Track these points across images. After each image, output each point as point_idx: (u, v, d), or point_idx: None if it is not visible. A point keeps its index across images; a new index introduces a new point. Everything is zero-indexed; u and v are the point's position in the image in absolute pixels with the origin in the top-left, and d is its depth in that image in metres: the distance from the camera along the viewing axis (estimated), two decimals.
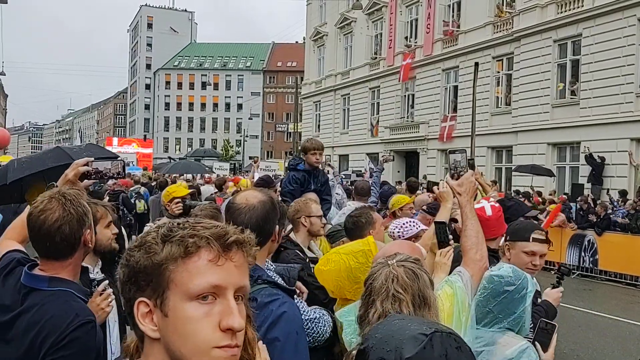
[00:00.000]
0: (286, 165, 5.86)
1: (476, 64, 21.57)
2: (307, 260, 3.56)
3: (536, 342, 2.78)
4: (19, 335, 2.04)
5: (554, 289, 3.53)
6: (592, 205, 15.56)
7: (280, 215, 2.38)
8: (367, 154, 34.64)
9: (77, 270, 2.31)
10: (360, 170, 22.68)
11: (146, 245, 1.11)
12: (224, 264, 1.10)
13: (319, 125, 42.33)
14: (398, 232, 4.13)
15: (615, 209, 15.00)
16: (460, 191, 2.78)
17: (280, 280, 2.32)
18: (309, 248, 3.94)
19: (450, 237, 3.04)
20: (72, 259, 2.23)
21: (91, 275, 2.96)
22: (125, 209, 12.83)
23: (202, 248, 1.09)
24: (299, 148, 5.75)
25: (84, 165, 2.73)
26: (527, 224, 3.48)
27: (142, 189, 14.53)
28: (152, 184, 15.23)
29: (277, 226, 2.36)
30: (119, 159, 2.95)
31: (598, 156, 20.48)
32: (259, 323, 1.86)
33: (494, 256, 3.78)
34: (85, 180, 2.77)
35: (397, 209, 5.93)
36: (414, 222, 4.25)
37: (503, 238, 3.50)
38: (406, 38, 32.89)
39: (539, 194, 19.67)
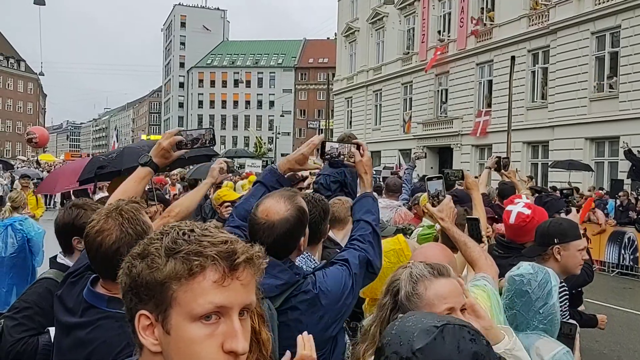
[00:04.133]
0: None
1: (512, 58, 21.20)
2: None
3: None
4: (72, 345, 2.04)
5: (569, 214, 3.50)
6: (632, 201, 15.13)
7: (323, 214, 2.31)
8: (400, 150, 34.42)
9: None
10: (392, 167, 22.53)
11: (149, 258, 1.07)
12: (229, 284, 1.07)
13: (350, 122, 42.20)
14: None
15: None
16: (441, 217, 2.88)
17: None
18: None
19: (483, 233, 3.02)
20: None
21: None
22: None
23: (208, 268, 1.05)
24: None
25: (177, 134, 2.76)
26: (570, 222, 3.41)
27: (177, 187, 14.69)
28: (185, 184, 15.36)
29: (303, 237, 2.29)
30: (209, 127, 2.95)
31: (638, 151, 19.89)
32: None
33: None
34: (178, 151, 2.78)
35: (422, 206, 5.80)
36: None
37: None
38: (439, 32, 32.51)
39: (577, 189, 19.21)
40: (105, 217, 2.06)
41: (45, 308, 2.72)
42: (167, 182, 14.90)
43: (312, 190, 5.69)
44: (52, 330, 2.70)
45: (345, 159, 2.65)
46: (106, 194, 10.47)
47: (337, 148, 2.65)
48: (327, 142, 2.64)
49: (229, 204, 5.39)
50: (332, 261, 2.37)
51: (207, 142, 2.77)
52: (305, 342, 1.71)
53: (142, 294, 1.08)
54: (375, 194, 2.85)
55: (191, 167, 13.49)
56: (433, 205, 3.00)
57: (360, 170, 2.64)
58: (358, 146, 2.66)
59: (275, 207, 2.21)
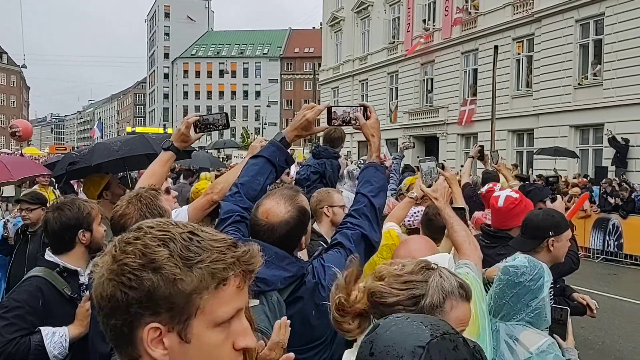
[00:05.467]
0: (318, 149, 5.75)
1: (496, 47, 21.26)
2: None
3: (554, 335, 2.75)
4: None
5: (554, 202, 3.54)
6: (616, 188, 15.28)
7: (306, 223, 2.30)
8: (386, 139, 34.47)
9: None
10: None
11: (164, 270, 1.02)
12: (244, 287, 1.09)
13: (334, 104, 42.09)
14: (408, 220, 4.12)
15: (636, 192, 14.69)
16: (435, 196, 2.90)
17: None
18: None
19: (469, 222, 3.04)
20: None
21: (81, 279, 2.92)
22: None
23: (231, 276, 1.06)
24: (332, 137, 5.62)
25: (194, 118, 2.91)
26: (559, 213, 3.48)
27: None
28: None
29: (304, 236, 2.28)
30: (223, 111, 3.01)
31: (622, 138, 20.10)
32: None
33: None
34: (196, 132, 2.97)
35: (404, 191, 5.76)
36: (421, 210, 4.20)
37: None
38: (424, 21, 32.48)
39: (560, 177, 19.34)
40: (127, 203, 2.34)
41: (36, 307, 2.70)
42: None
43: (292, 180, 5.69)
44: (43, 330, 2.68)
45: (356, 123, 2.59)
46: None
47: (344, 112, 2.61)
48: (333, 107, 2.60)
49: None
50: (327, 247, 2.36)
51: (222, 125, 2.90)
52: (282, 328, 1.69)
53: (159, 307, 1.03)
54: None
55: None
56: (427, 186, 3.00)
57: (366, 134, 2.58)
58: (365, 109, 2.60)
59: (276, 209, 2.19)
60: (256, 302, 1.97)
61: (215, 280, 1.04)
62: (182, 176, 12.19)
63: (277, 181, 3.38)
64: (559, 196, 3.64)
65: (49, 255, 2.94)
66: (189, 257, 1.03)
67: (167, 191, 3.71)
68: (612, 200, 14.84)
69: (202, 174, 10.64)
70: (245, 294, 1.09)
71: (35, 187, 9.52)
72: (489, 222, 4.25)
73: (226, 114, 2.96)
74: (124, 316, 1.03)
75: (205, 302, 1.03)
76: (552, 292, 3.22)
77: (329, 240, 3.77)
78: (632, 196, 14.59)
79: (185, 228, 1.08)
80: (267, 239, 2.14)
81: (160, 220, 1.13)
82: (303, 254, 2.61)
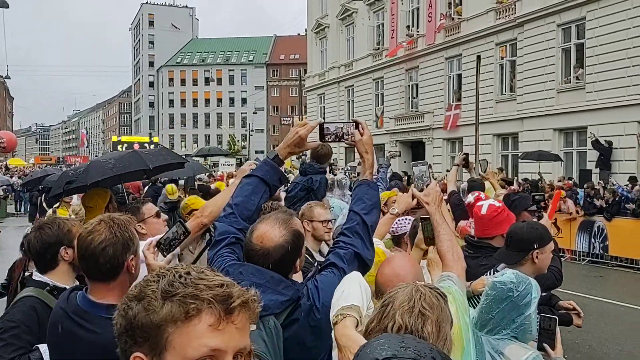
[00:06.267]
0: (304, 166, 5.82)
1: (478, 57, 21.44)
2: (316, 264, 3.55)
3: (543, 344, 2.78)
4: None
5: (541, 219, 3.58)
6: (600, 191, 15.44)
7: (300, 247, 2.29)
8: (373, 145, 34.55)
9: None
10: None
11: (145, 300, 1.07)
12: (224, 327, 1.07)
13: (324, 118, 42.12)
14: (391, 229, 4.15)
15: (622, 195, 14.84)
16: (427, 201, 2.86)
17: None
18: (320, 252, 3.93)
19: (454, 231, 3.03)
20: (116, 283, 2.26)
21: None
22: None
23: (203, 311, 1.05)
24: (320, 153, 5.67)
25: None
26: (543, 225, 3.55)
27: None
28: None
29: (299, 259, 2.28)
30: (178, 220, 2.87)
31: (605, 140, 20.32)
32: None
33: (492, 253, 3.77)
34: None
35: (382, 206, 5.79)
36: (407, 219, 4.24)
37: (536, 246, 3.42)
38: (408, 27, 32.68)
39: (542, 180, 19.51)
40: (99, 221, 2.32)
41: (31, 326, 2.72)
42: (140, 186, 14.71)
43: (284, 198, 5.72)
44: (41, 347, 2.69)
45: (350, 139, 2.59)
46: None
47: (336, 128, 2.60)
48: (325, 124, 2.59)
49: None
50: (320, 268, 2.35)
51: (183, 234, 2.69)
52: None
53: (137, 336, 1.06)
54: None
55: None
56: (420, 190, 2.99)
57: (360, 150, 2.59)
58: (357, 124, 2.60)
59: (270, 234, 2.18)
60: (253, 327, 1.98)
61: (182, 313, 1.04)
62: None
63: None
64: (545, 214, 3.69)
65: (36, 276, 2.98)
66: (168, 291, 1.06)
67: (158, 215, 3.73)
68: (597, 203, 14.98)
69: (168, 186, 10.48)
70: (229, 335, 1.07)
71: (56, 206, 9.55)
72: (473, 232, 4.30)
73: (181, 221, 2.86)
74: (121, 345, 1.10)
75: (173, 336, 1.05)
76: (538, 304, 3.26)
77: (314, 254, 3.82)
78: (617, 199, 14.73)
79: (185, 269, 1.12)
80: (262, 264, 2.14)
81: (178, 264, 1.20)
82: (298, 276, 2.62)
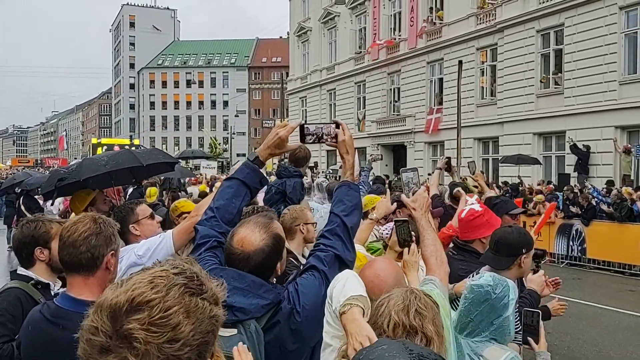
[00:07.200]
0: (279, 169, 5.88)
1: (460, 62, 21.61)
2: (302, 267, 3.56)
3: (528, 338, 2.83)
4: None
5: (535, 274, 3.62)
6: (577, 195, 15.67)
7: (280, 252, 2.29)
8: (355, 148, 34.58)
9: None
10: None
11: (198, 310, 1.14)
12: None
13: (305, 121, 42.05)
14: (385, 234, 4.19)
15: (596, 198, 15.08)
16: (414, 206, 2.90)
17: None
18: (303, 255, 3.95)
19: (413, 234, 3.04)
20: (94, 278, 2.27)
21: (52, 292, 3.01)
22: None
23: None
24: (297, 157, 5.72)
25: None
26: (526, 232, 3.60)
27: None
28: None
29: (279, 263, 2.28)
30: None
31: (583, 145, 20.61)
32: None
33: (476, 257, 3.82)
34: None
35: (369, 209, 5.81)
36: None
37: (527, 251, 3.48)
38: (391, 30, 32.85)
39: (530, 189, 19.73)
40: (84, 215, 2.42)
41: (16, 315, 2.78)
42: (121, 191, 14.56)
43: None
44: None
45: (330, 139, 2.59)
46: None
47: (317, 129, 2.60)
48: (305, 125, 2.59)
49: (187, 215, 5.37)
50: (301, 271, 2.36)
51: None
52: (241, 353, 1.63)
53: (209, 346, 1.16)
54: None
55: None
56: (407, 196, 3.03)
57: (341, 150, 2.59)
58: (337, 125, 2.60)
59: (250, 238, 2.19)
60: (234, 331, 1.98)
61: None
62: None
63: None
64: (541, 270, 3.77)
65: (21, 270, 3.08)
66: (217, 297, 1.24)
67: (152, 216, 3.73)
68: (573, 209, 15.22)
69: (149, 189, 10.50)
70: None
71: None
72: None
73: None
74: None
75: None
76: (517, 307, 3.31)
77: (299, 257, 3.84)
78: (593, 202, 14.95)
79: (190, 270, 1.21)
80: (243, 268, 2.15)
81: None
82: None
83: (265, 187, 6.07)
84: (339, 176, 15.10)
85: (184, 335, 1.08)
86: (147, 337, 1.04)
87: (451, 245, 4.26)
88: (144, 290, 1.09)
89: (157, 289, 1.09)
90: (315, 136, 2.59)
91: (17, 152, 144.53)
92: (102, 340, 1.06)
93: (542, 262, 3.70)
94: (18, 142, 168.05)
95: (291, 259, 3.62)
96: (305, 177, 6.34)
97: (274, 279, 2.33)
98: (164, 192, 13.42)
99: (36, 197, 12.40)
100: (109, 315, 1.07)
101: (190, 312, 1.10)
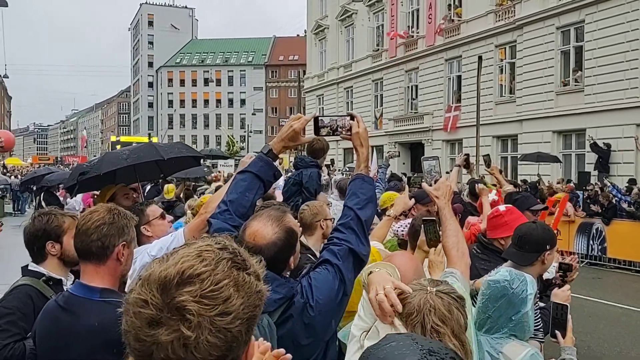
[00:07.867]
0: (296, 160, 5.87)
1: (480, 58, 21.41)
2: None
3: (555, 332, 2.78)
4: None
5: (559, 289, 3.52)
6: (599, 193, 15.48)
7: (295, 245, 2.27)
8: (372, 146, 34.55)
9: (115, 284, 2.36)
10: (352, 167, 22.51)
11: (246, 286, 1.15)
12: None
13: (320, 114, 42.17)
14: (401, 231, 4.17)
15: (616, 197, 14.87)
16: (437, 194, 2.85)
17: None
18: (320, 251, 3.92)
19: (440, 233, 3.01)
20: (105, 267, 2.30)
21: (65, 288, 2.96)
22: None
23: None
24: (314, 148, 5.72)
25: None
26: (550, 228, 3.59)
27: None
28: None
29: (292, 257, 2.26)
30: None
31: (604, 143, 20.36)
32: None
33: (498, 255, 3.78)
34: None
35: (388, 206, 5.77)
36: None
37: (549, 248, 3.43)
38: (408, 28, 32.71)
39: (550, 188, 19.51)
40: (101, 206, 2.44)
41: (27, 313, 2.76)
42: (137, 186, 14.66)
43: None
44: None
45: (344, 132, 2.55)
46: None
47: (331, 121, 2.56)
48: (320, 117, 2.55)
49: None
50: (315, 265, 2.33)
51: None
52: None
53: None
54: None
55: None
56: (429, 184, 2.98)
57: (355, 143, 2.54)
58: (352, 117, 2.56)
59: (263, 231, 2.17)
60: None
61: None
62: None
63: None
64: (567, 285, 3.66)
65: (32, 266, 3.02)
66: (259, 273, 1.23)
67: (162, 216, 3.74)
68: (593, 208, 15.03)
69: (167, 186, 10.57)
70: None
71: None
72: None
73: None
74: (236, 346, 1.20)
75: None
76: (537, 302, 3.27)
77: (317, 253, 3.81)
78: (613, 202, 14.76)
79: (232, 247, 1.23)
80: None
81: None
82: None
83: (283, 183, 6.07)
84: None
85: (235, 309, 1.07)
86: (200, 309, 1.04)
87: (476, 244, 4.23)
88: (193, 263, 1.08)
89: (206, 262, 1.09)
90: (329, 128, 2.56)
91: (37, 150, 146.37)
92: (152, 313, 1.05)
93: (569, 276, 3.54)
94: (39, 140, 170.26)
95: (309, 255, 3.60)
96: (322, 175, 6.32)
97: (287, 273, 2.31)
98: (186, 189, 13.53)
99: (57, 193, 12.55)
100: (159, 288, 1.06)
101: (239, 286, 1.10)
